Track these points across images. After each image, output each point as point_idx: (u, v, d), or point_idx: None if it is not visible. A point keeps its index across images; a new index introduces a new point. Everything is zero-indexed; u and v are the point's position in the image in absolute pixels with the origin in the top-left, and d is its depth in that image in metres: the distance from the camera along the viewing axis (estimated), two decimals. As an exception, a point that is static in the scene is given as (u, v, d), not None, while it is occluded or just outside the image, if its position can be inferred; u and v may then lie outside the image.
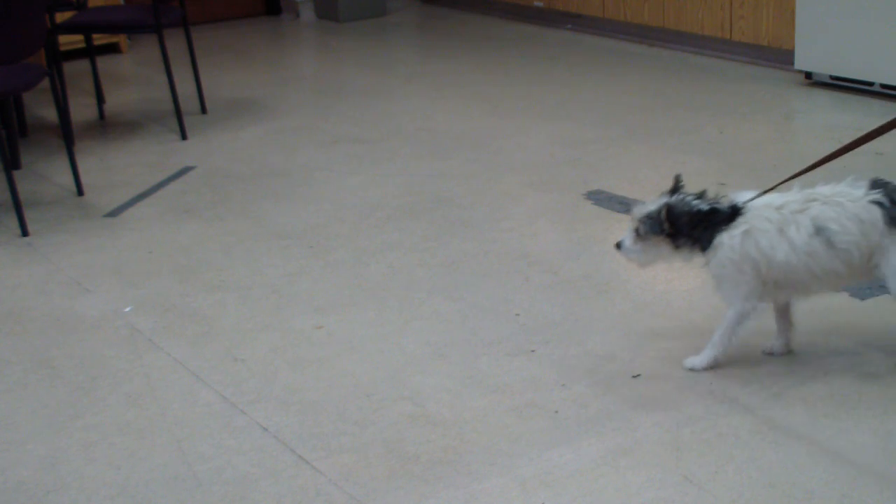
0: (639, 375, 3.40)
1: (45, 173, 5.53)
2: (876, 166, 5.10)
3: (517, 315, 3.84)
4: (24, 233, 4.74)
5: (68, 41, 6.92)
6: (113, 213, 4.99)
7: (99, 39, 7.51)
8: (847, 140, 5.54)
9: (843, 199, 3.18)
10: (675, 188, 3.32)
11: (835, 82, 6.24)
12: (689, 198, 3.27)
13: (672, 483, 2.87)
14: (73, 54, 7.26)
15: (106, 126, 6.41)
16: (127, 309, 4.02)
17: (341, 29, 8.83)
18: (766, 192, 3.29)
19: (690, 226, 3.23)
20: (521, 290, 4.04)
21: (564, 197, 4.93)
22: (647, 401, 3.26)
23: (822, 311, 3.73)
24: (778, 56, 6.75)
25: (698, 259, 3.31)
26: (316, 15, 9.23)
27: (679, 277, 4.06)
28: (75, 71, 7.04)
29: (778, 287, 3.25)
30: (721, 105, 6.13)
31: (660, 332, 3.67)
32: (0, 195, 5.03)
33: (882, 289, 3.85)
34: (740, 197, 3.28)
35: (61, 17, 6.18)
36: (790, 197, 3.24)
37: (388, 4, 9.26)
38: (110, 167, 5.64)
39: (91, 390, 3.49)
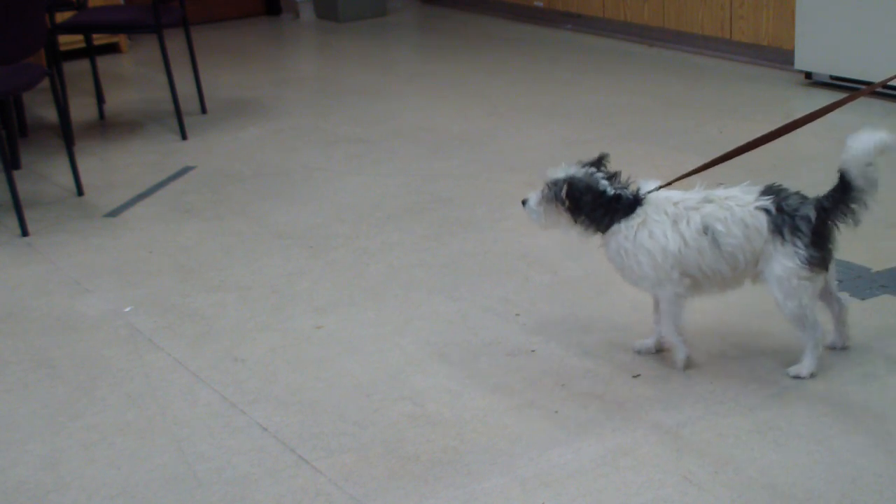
0: (639, 375, 3.40)
1: (45, 173, 5.53)
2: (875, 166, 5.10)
3: (517, 315, 3.84)
4: (24, 233, 4.74)
5: (68, 41, 6.92)
6: (113, 213, 4.99)
7: (99, 39, 7.51)
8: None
9: (733, 203, 3.23)
10: (595, 162, 3.35)
11: (835, 82, 6.24)
12: (600, 176, 3.31)
13: (672, 483, 2.87)
14: (73, 54, 7.26)
15: (106, 126, 6.41)
16: (127, 309, 4.02)
17: (341, 29, 8.83)
18: (669, 183, 3.35)
19: (591, 206, 3.29)
20: (521, 290, 4.04)
21: (564, 197, 4.93)
22: (647, 401, 3.26)
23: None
24: (778, 56, 6.75)
25: (597, 239, 3.37)
26: (316, 15, 9.23)
27: (679, 277, 4.06)
28: (75, 71, 7.04)
29: (684, 276, 3.31)
30: (721, 105, 6.13)
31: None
32: (0, 195, 5.03)
33: (882, 288, 3.86)
34: (646, 186, 3.33)
35: (61, 17, 6.19)
36: (690, 194, 3.31)
37: (388, 4, 9.26)
38: (110, 167, 5.64)
39: (91, 390, 3.49)
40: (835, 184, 3.20)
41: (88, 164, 5.56)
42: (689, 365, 3.40)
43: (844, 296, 3.50)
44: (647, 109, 6.16)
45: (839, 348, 3.45)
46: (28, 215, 4.81)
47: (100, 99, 6.52)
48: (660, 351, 3.49)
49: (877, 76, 6.02)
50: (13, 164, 5.36)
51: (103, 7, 6.85)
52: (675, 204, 3.28)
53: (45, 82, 5.14)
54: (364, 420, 3.24)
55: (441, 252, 4.41)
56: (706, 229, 3.23)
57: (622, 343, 3.61)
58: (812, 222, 3.17)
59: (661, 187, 3.33)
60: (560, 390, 3.34)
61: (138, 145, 5.98)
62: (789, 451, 2.98)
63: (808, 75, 6.38)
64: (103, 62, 7.14)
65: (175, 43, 6.46)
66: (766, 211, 3.20)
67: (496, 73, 7.18)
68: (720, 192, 3.29)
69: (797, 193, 3.25)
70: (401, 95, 6.79)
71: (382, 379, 3.46)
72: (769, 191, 3.25)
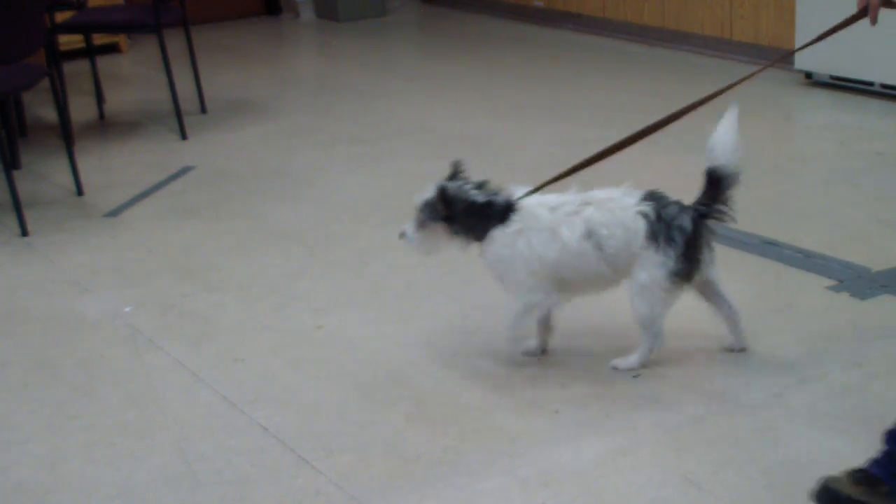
0: (639, 375, 3.40)
1: (45, 173, 5.53)
2: (874, 166, 5.11)
3: (517, 315, 3.83)
4: (24, 233, 4.74)
5: (68, 41, 6.92)
6: (113, 213, 4.99)
7: (99, 39, 7.51)
8: (848, 140, 5.54)
9: (615, 206, 3.24)
10: (453, 174, 3.35)
11: (835, 82, 6.24)
12: (468, 186, 3.31)
13: (672, 483, 2.87)
14: (73, 54, 7.25)
15: (106, 126, 6.41)
16: (127, 309, 4.02)
17: (341, 29, 8.83)
18: (539, 187, 3.34)
19: (465, 214, 3.29)
20: (521, 290, 4.03)
21: (564, 197, 4.93)
22: (647, 401, 3.26)
23: (822, 310, 3.74)
24: (778, 56, 6.74)
25: (475, 248, 3.37)
26: (316, 15, 9.23)
27: (679, 277, 4.06)
28: (75, 71, 7.04)
29: (559, 285, 3.32)
30: (721, 105, 6.12)
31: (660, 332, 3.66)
32: (0, 195, 5.03)
33: (883, 288, 3.86)
34: (517, 192, 3.32)
35: (61, 17, 6.18)
36: (566, 198, 3.30)
37: (388, 4, 9.26)
38: (110, 167, 5.64)
39: (91, 390, 3.49)
40: (704, 187, 3.25)
41: (88, 164, 5.55)
42: (532, 353, 3.45)
43: (735, 299, 3.42)
44: (647, 109, 6.14)
45: (736, 351, 3.44)
46: (28, 215, 4.81)
47: (100, 99, 6.52)
48: (545, 353, 3.49)
49: (877, 76, 6.03)
50: (13, 164, 5.35)
51: (103, 7, 6.86)
52: (553, 209, 3.27)
53: (45, 82, 5.13)
54: (364, 420, 3.24)
55: (441, 252, 4.40)
56: (590, 234, 3.23)
57: (622, 343, 3.61)
58: (687, 233, 3.20)
59: (532, 191, 3.32)
60: (560, 390, 3.34)
61: (138, 145, 5.98)
62: (789, 451, 2.98)
63: (808, 75, 6.38)
64: (103, 62, 7.13)
65: (175, 43, 6.46)
66: (646, 217, 3.21)
67: (496, 73, 7.17)
68: (599, 194, 3.29)
69: (677, 202, 3.25)
70: (401, 95, 6.79)
71: (382, 379, 3.46)
72: (651, 197, 3.26)
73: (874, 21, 3.11)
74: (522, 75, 7.06)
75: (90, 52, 6.45)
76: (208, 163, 5.63)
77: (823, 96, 6.18)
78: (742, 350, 3.44)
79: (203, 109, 6.49)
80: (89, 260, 4.48)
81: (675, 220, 3.21)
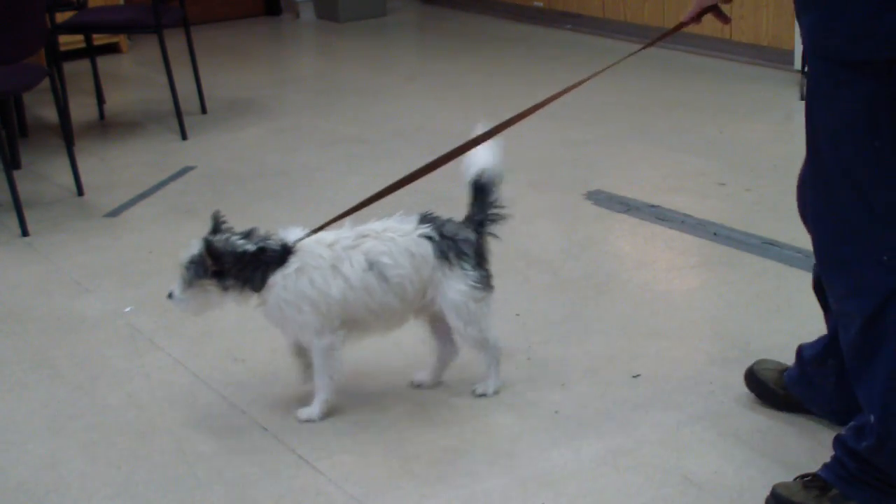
0: (639, 375, 3.40)
1: (45, 173, 5.53)
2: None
3: (517, 315, 3.84)
4: (24, 233, 4.74)
5: (68, 41, 6.92)
6: (113, 213, 4.99)
7: (99, 39, 7.51)
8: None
9: (394, 234, 3.17)
10: (216, 227, 3.18)
11: (835, 82, 6.24)
12: (235, 238, 3.14)
13: (672, 483, 2.87)
14: (73, 54, 7.26)
15: (106, 126, 6.41)
16: (127, 309, 4.02)
17: (341, 29, 8.83)
18: (320, 228, 3.21)
19: (238, 266, 3.11)
20: (521, 290, 4.04)
21: (564, 197, 4.94)
22: (647, 401, 3.26)
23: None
24: (778, 56, 6.75)
25: (253, 300, 3.17)
26: (316, 15, 9.23)
27: (679, 277, 4.06)
28: (75, 71, 7.04)
29: (346, 325, 3.18)
30: (721, 105, 6.13)
31: (660, 332, 3.67)
32: (0, 195, 5.03)
33: (882, 289, 3.85)
34: (291, 235, 3.17)
35: (61, 17, 6.18)
36: (342, 234, 3.19)
37: (388, 4, 9.26)
38: (110, 167, 5.64)
39: (91, 390, 3.49)
40: (471, 199, 3.23)
41: (88, 164, 5.55)
42: (328, 413, 3.24)
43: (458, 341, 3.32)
44: (647, 109, 6.16)
45: (426, 387, 3.36)
46: (28, 215, 4.81)
47: (100, 99, 6.52)
48: (440, 384, 3.40)
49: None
50: (13, 164, 5.35)
51: (103, 7, 6.86)
52: (330, 246, 3.15)
53: (45, 82, 5.13)
54: (364, 420, 3.24)
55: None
56: (371, 265, 3.12)
57: (622, 343, 3.61)
58: (474, 243, 3.19)
59: (311, 233, 3.18)
60: (560, 390, 3.34)
61: (138, 145, 5.98)
62: (789, 451, 2.98)
63: (808, 75, 6.38)
64: (103, 62, 7.13)
65: (175, 43, 6.46)
66: (430, 238, 3.16)
67: (496, 73, 7.18)
68: (376, 226, 3.21)
69: (450, 220, 3.23)
70: (401, 95, 6.79)
71: (382, 379, 3.46)
72: (426, 219, 3.22)
73: (727, 20, 3.18)
74: (522, 75, 7.06)
75: (90, 52, 6.45)
76: (208, 163, 5.63)
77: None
78: (434, 385, 3.35)
79: (203, 109, 6.49)
80: (89, 260, 4.48)
81: (459, 234, 3.18)
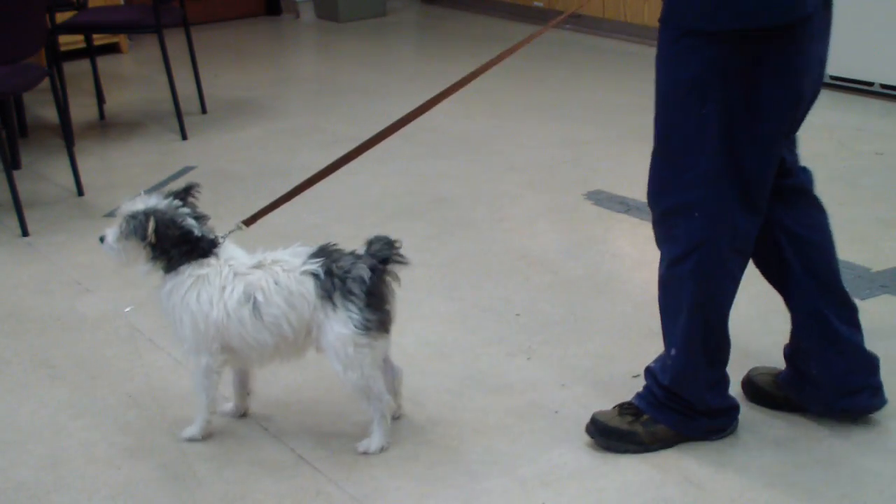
0: (639, 375, 3.39)
1: (45, 173, 5.53)
2: (874, 166, 5.11)
3: (517, 315, 3.84)
4: (24, 233, 4.74)
5: (68, 41, 6.92)
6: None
7: (99, 39, 7.51)
8: (848, 140, 5.54)
9: (280, 269, 2.97)
10: (183, 194, 3.10)
11: (835, 82, 6.24)
12: (186, 212, 3.04)
13: (672, 483, 2.87)
14: (73, 54, 7.26)
15: (106, 126, 6.41)
16: (127, 309, 4.02)
17: (341, 29, 8.83)
18: (251, 220, 3.13)
19: (175, 243, 2.99)
20: (521, 290, 4.04)
21: (564, 197, 4.94)
22: (647, 401, 3.25)
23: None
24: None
25: (158, 278, 3.05)
26: (316, 15, 9.24)
27: (679, 277, 4.06)
28: (75, 71, 7.04)
29: (225, 350, 3.05)
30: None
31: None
32: (0, 195, 5.03)
33: (882, 288, 3.86)
34: (221, 235, 3.07)
35: (61, 17, 6.18)
36: (246, 259, 3.03)
37: (388, 4, 9.27)
38: (110, 167, 5.64)
39: (91, 390, 3.49)
40: (379, 235, 3.04)
41: (88, 164, 5.56)
42: (206, 433, 3.17)
43: (398, 365, 3.20)
44: (647, 109, 6.13)
45: (395, 418, 3.17)
46: (28, 215, 4.81)
47: (100, 99, 6.52)
48: (244, 415, 3.27)
49: (877, 76, 6.02)
50: (13, 164, 5.35)
51: (103, 7, 6.86)
52: (231, 268, 3.00)
53: (45, 82, 5.14)
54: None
55: (441, 252, 4.41)
56: (248, 298, 2.95)
57: (622, 343, 3.62)
58: (366, 282, 2.92)
59: (227, 235, 3.07)
60: (560, 390, 3.34)
61: (138, 145, 5.98)
62: (789, 451, 2.98)
63: (808, 75, 6.38)
64: (103, 62, 7.14)
65: (175, 43, 6.46)
66: (315, 275, 2.94)
67: (496, 73, 7.14)
68: (275, 255, 3.02)
69: (351, 254, 2.99)
70: (401, 95, 6.79)
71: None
72: (321, 252, 3.00)
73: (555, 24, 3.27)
74: (522, 75, 7.06)
75: (91, 53, 6.45)
76: (208, 163, 5.63)
77: (823, 96, 6.14)
78: (397, 418, 3.19)
79: (203, 109, 6.49)
80: (89, 260, 4.48)
81: (351, 271, 2.93)
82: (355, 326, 2.91)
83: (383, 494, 2.89)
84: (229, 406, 3.29)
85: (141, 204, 3.03)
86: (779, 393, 3.17)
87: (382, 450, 3.06)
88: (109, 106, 6.65)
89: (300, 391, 3.40)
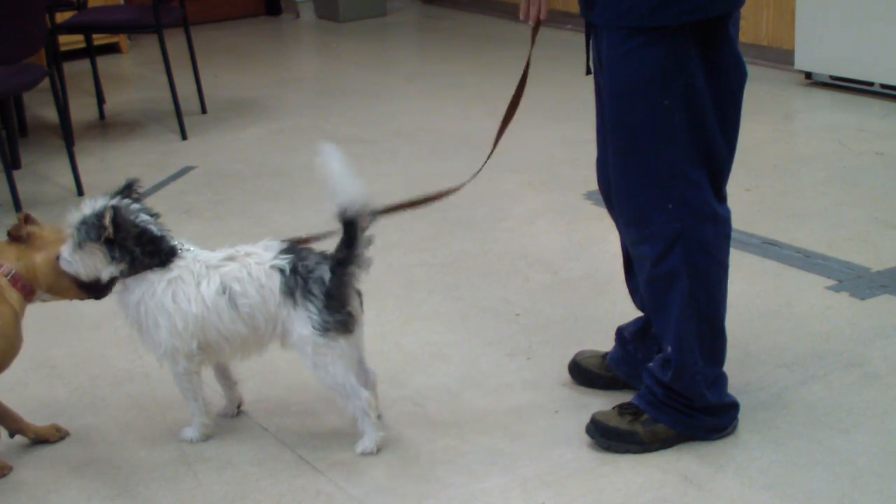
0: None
1: (45, 173, 5.53)
2: (874, 166, 5.11)
3: (517, 315, 3.84)
4: (25, 233, 4.73)
5: (68, 41, 6.92)
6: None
7: (99, 39, 7.51)
8: (848, 140, 5.54)
9: (252, 261, 2.98)
10: (126, 192, 3.08)
11: (835, 82, 6.24)
12: (142, 212, 3.03)
13: (672, 483, 2.87)
14: (73, 54, 7.26)
15: (106, 126, 6.41)
16: (127, 309, 4.01)
17: (341, 29, 8.83)
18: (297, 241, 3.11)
19: (135, 241, 2.97)
20: (521, 290, 4.04)
21: (564, 197, 4.94)
22: (647, 401, 3.25)
23: (821, 310, 3.74)
24: (778, 56, 6.75)
25: (118, 284, 3.04)
26: (316, 15, 9.24)
27: (679, 277, 4.05)
28: (75, 71, 7.04)
29: (202, 349, 3.04)
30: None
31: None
32: (0, 195, 5.03)
33: (883, 288, 3.86)
34: (181, 239, 3.06)
35: (61, 17, 6.19)
36: (215, 253, 3.04)
37: (388, 4, 9.26)
38: (110, 167, 5.64)
39: (91, 390, 3.49)
40: (341, 235, 2.97)
41: (88, 164, 5.55)
42: (206, 435, 3.16)
43: (372, 368, 3.17)
44: (647, 109, 6.15)
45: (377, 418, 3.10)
46: (28, 215, 4.80)
47: (100, 99, 6.52)
48: (240, 406, 3.27)
49: (877, 76, 6.03)
50: (13, 164, 5.35)
51: (103, 7, 6.86)
52: (204, 262, 3.01)
53: (45, 82, 5.14)
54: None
55: (441, 252, 4.41)
56: (224, 289, 2.96)
57: (622, 343, 3.61)
58: (326, 284, 2.91)
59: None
60: (560, 390, 3.34)
61: (138, 145, 5.98)
62: (789, 451, 2.98)
63: (808, 75, 6.38)
64: (103, 62, 7.14)
65: (175, 43, 6.46)
66: (281, 271, 2.94)
67: (496, 73, 7.17)
68: (243, 249, 3.03)
69: (319, 253, 2.99)
70: (401, 95, 6.79)
71: (382, 379, 3.44)
72: (290, 249, 3.01)
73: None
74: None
75: (90, 53, 6.45)
76: (208, 163, 5.63)
77: (823, 96, 6.18)
78: (379, 418, 3.09)
79: (203, 109, 6.49)
80: (89, 260, 4.48)
81: (314, 272, 2.92)
82: (314, 327, 2.92)
83: (383, 494, 2.89)
84: (222, 404, 3.29)
85: (88, 209, 3.02)
86: (606, 374, 3.29)
87: (378, 446, 3.04)
88: (109, 106, 6.65)
89: (300, 391, 3.40)
